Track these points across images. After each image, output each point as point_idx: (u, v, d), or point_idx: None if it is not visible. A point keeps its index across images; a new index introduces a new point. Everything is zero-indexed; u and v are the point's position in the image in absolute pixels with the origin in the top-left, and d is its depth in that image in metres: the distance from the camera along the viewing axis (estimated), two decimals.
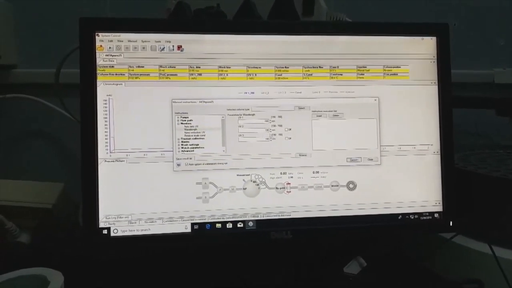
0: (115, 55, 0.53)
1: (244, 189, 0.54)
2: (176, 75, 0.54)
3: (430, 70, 0.58)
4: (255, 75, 0.55)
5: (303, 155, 0.55)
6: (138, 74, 0.53)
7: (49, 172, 0.74)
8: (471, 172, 0.62)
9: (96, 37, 0.52)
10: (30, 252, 0.61)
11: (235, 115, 0.54)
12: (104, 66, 0.52)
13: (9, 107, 0.76)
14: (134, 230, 0.52)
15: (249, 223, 0.54)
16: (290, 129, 0.55)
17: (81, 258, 0.55)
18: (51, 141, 0.79)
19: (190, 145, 0.53)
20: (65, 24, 0.59)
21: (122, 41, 0.53)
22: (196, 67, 0.54)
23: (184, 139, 0.53)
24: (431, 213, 0.57)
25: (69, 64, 0.62)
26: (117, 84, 0.52)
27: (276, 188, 0.55)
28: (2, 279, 0.44)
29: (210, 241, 0.54)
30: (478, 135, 0.86)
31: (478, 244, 0.58)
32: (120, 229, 0.52)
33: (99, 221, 0.52)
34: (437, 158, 0.57)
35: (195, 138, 0.53)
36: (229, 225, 0.54)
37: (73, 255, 0.55)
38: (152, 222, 0.52)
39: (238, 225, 0.54)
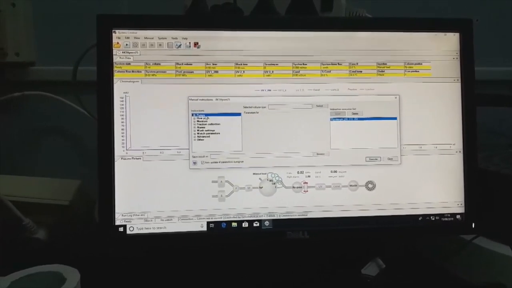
0: (132, 52, 0.52)
1: (261, 188, 0.54)
2: (193, 72, 0.53)
3: (452, 67, 0.56)
4: (272, 72, 0.54)
5: (320, 154, 0.54)
6: (154, 71, 0.53)
7: (66, 169, 0.75)
8: (494, 172, 0.60)
9: (113, 34, 0.52)
10: (47, 249, 0.61)
11: (252, 112, 0.54)
12: (121, 63, 0.52)
13: (27, 104, 0.77)
14: (150, 228, 0.52)
15: (265, 222, 0.54)
16: (307, 128, 0.54)
17: (97, 255, 0.55)
18: (68, 138, 0.80)
19: (206, 143, 0.53)
20: (83, 21, 0.59)
21: (138, 38, 0.52)
22: (213, 64, 0.53)
23: (200, 136, 0.53)
24: (453, 215, 0.56)
25: (87, 61, 0.62)
26: (133, 82, 0.52)
27: (293, 187, 0.54)
28: (20, 275, 0.45)
29: (225, 240, 0.54)
30: (502, 135, 0.84)
31: (501, 247, 0.56)
32: (136, 227, 0.52)
33: (115, 219, 0.51)
34: (460, 157, 0.56)
35: (211, 136, 0.53)
36: (245, 224, 0.53)
37: (89, 252, 0.55)
38: (168, 220, 0.52)
39: (254, 224, 0.53)
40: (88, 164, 0.79)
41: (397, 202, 0.55)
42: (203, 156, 0.53)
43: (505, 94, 0.80)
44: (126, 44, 0.52)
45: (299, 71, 0.54)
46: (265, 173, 0.54)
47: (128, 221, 0.52)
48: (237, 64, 0.54)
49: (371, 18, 0.64)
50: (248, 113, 0.54)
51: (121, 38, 0.52)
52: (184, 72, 0.53)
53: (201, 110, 0.53)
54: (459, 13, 0.57)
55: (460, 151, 0.56)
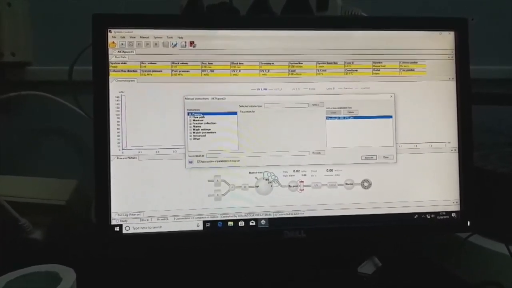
0: (128, 52, 0.52)
1: (257, 186, 0.54)
2: (189, 71, 0.53)
3: (448, 66, 0.56)
4: (268, 71, 0.54)
5: (316, 153, 0.54)
6: (150, 71, 0.53)
7: (62, 169, 0.75)
8: (490, 171, 0.60)
9: (109, 33, 0.52)
10: (43, 249, 0.61)
11: (247, 111, 0.54)
12: (117, 63, 0.52)
13: (24, 104, 0.77)
14: (146, 228, 0.52)
15: (262, 221, 0.54)
16: (304, 126, 0.54)
17: (93, 255, 0.55)
18: (64, 138, 0.80)
19: (202, 142, 0.53)
20: (79, 21, 0.59)
21: (134, 37, 0.52)
22: (209, 63, 0.53)
23: (196, 136, 0.53)
24: (448, 213, 0.56)
25: (83, 61, 0.62)
26: (129, 81, 0.52)
27: (289, 186, 0.54)
28: (16, 275, 0.45)
29: (222, 239, 0.54)
30: (500, 133, 0.84)
31: (496, 245, 0.56)
32: (132, 226, 0.52)
33: (111, 218, 0.51)
34: (455, 156, 0.56)
35: (207, 135, 0.53)
36: (241, 223, 0.53)
37: (85, 252, 0.55)
38: (164, 219, 0.52)
39: (251, 223, 0.53)
40: (86, 164, 0.79)
41: (392, 200, 0.55)
42: (199, 155, 0.53)
43: (504, 93, 0.80)
44: (122, 44, 0.52)
45: (295, 70, 0.54)
46: (261, 172, 0.54)
47: (124, 221, 0.52)
48: (233, 63, 0.54)
49: (367, 17, 0.64)
50: (244, 112, 0.54)
51: (117, 37, 0.52)
52: (179, 71, 0.53)
53: (197, 109, 0.53)
54: (459, 13, 0.57)
55: (455, 150, 0.56)
